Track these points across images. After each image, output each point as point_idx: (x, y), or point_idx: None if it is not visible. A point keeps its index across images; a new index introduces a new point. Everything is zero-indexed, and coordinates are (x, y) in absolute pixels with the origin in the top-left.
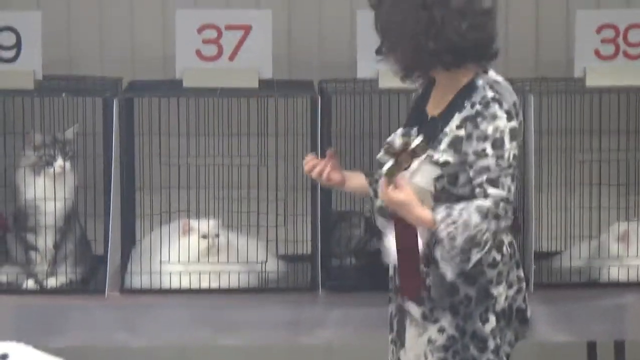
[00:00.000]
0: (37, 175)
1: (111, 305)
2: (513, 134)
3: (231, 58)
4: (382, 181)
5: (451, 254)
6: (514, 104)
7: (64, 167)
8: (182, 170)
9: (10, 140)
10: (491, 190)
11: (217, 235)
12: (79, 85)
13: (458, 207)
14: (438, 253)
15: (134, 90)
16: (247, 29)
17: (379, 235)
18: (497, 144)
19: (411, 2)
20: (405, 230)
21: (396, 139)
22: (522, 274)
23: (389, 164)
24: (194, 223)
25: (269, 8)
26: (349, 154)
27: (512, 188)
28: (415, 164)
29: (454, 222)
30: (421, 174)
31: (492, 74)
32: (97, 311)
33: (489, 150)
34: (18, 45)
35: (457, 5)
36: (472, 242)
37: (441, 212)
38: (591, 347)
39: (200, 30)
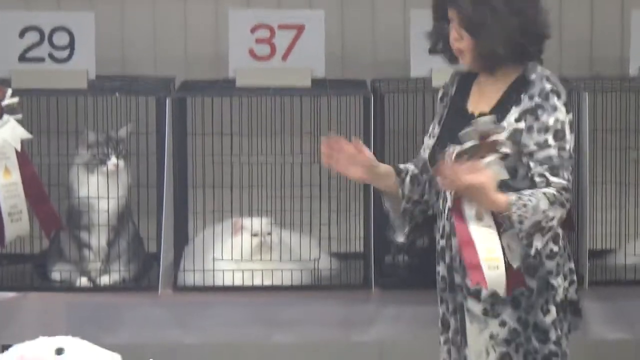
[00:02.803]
0: (90, 173)
1: (164, 303)
2: (571, 126)
3: (284, 57)
4: (451, 161)
5: (519, 237)
6: (568, 97)
7: (118, 165)
8: (234, 169)
9: (64, 139)
10: (553, 179)
11: (269, 234)
12: (132, 85)
13: (527, 192)
14: (505, 241)
15: (187, 89)
16: (300, 29)
17: (429, 231)
18: (559, 136)
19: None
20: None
21: (486, 123)
22: (573, 267)
23: (472, 143)
24: (245, 221)
25: (321, 7)
26: (401, 153)
27: (570, 178)
28: (488, 159)
29: (524, 205)
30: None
31: (541, 68)
32: (150, 309)
33: (551, 142)
34: (71, 45)
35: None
36: (537, 227)
37: (513, 195)
38: None
39: (253, 30)
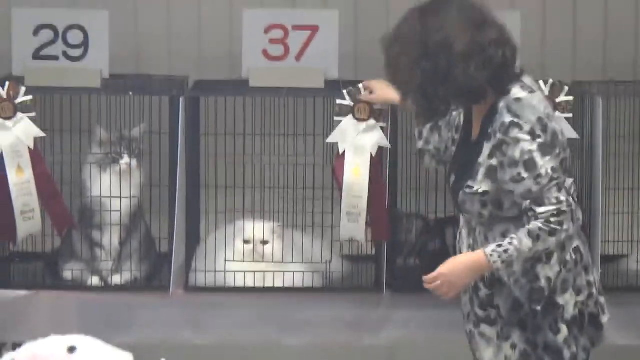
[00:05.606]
0: (103, 172)
1: (175, 303)
2: (543, 149)
3: (297, 58)
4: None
5: (513, 279)
6: (539, 119)
7: (130, 164)
8: (247, 170)
9: (77, 138)
10: (540, 209)
11: (263, 242)
12: (146, 84)
13: (508, 239)
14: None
15: (200, 89)
16: (314, 29)
17: (440, 235)
18: (530, 166)
19: (415, 51)
20: None
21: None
22: (592, 279)
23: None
24: (246, 225)
25: (336, 7)
26: (414, 155)
27: (562, 197)
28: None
29: (505, 251)
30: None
31: (515, 91)
32: (161, 309)
33: (524, 174)
34: (85, 43)
35: (460, 49)
36: (533, 260)
37: (490, 246)
38: None
39: (267, 30)
